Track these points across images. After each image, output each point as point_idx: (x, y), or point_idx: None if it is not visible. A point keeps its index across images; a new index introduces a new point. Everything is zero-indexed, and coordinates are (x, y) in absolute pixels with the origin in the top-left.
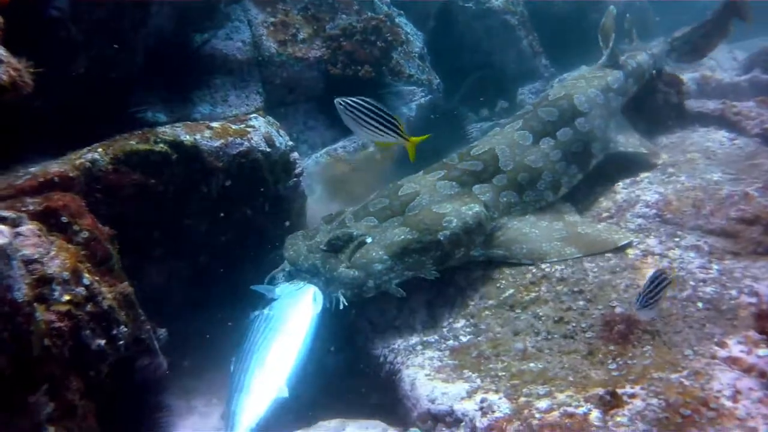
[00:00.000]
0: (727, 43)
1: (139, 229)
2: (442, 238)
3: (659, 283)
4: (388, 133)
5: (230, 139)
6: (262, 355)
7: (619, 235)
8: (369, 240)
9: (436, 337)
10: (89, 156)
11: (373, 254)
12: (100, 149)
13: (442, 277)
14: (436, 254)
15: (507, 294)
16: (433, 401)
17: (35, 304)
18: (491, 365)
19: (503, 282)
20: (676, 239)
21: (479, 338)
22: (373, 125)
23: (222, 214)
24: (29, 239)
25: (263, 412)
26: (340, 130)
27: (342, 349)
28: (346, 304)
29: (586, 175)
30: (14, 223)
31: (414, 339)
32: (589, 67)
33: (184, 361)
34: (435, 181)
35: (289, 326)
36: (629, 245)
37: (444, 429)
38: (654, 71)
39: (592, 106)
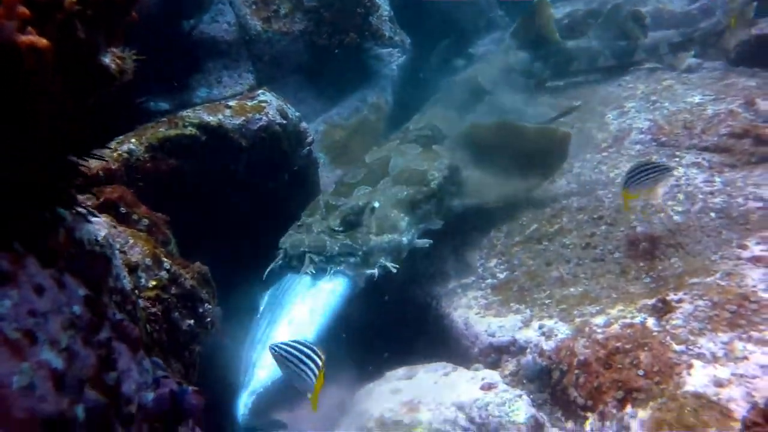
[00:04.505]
0: None
1: (178, 215)
2: (434, 187)
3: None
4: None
5: (249, 115)
6: (287, 310)
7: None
8: (377, 204)
9: (474, 278)
10: (125, 147)
11: (392, 214)
12: (133, 139)
13: (463, 222)
14: (434, 203)
15: (532, 229)
16: (493, 335)
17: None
18: (535, 295)
19: (524, 219)
20: (677, 159)
21: (515, 273)
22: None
23: (250, 190)
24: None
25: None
26: (327, 98)
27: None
28: (396, 268)
29: None
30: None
31: (452, 283)
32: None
33: None
34: None
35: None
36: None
37: (510, 359)
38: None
39: None
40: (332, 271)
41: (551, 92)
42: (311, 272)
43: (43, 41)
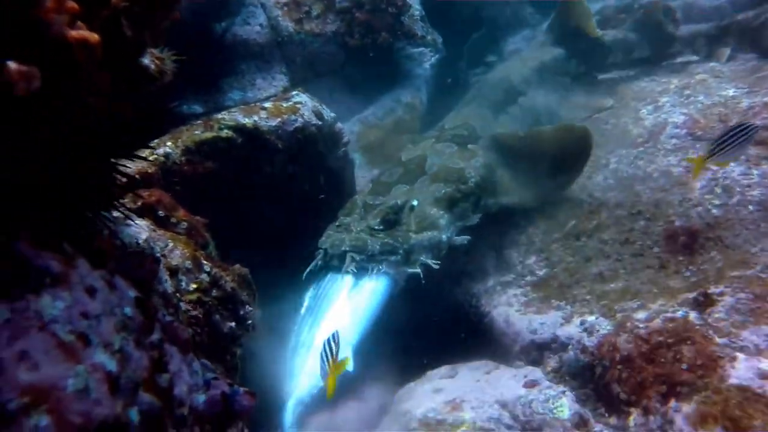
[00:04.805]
0: None
1: (215, 217)
2: (472, 185)
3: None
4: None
5: (285, 116)
6: (329, 312)
7: (579, 127)
8: (415, 203)
9: (513, 276)
10: (161, 150)
11: (431, 212)
12: (169, 142)
13: (501, 221)
14: (472, 200)
15: (570, 225)
16: (534, 332)
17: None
18: (575, 291)
19: (562, 216)
20: None
21: (555, 270)
22: None
23: (286, 192)
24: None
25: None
26: (361, 99)
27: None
28: (438, 264)
29: None
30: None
31: (491, 281)
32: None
33: None
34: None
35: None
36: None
37: (551, 355)
38: None
39: None
40: (374, 270)
41: (585, 88)
42: (353, 271)
43: (94, 36)
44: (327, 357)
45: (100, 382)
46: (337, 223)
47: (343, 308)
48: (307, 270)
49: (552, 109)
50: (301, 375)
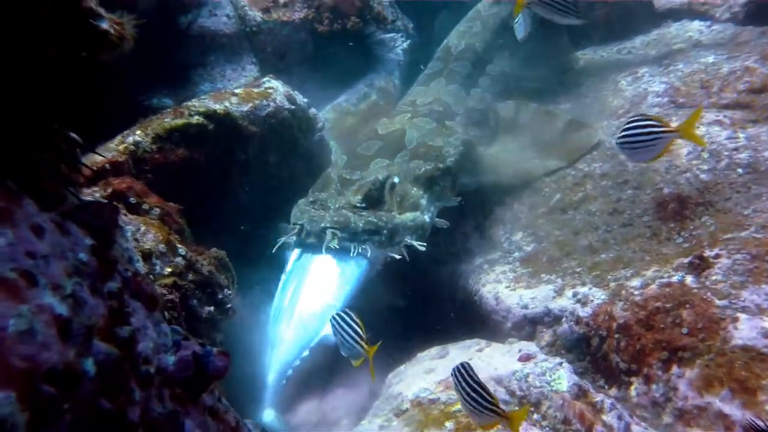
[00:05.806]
0: None
1: (189, 206)
2: (450, 164)
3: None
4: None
5: (257, 101)
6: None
7: (588, 130)
8: (397, 180)
9: (500, 253)
10: (131, 139)
11: (412, 191)
12: (138, 131)
13: (484, 199)
14: (449, 180)
15: (555, 199)
16: (525, 307)
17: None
18: (565, 264)
19: (547, 190)
20: None
21: (543, 244)
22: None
23: (262, 178)
24: None
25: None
26: (336, 86)
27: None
28: (423, 246)
29: None
30: None
31: (478, 260)
32: None
33: None
34: None
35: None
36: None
37: (545, 329)
38: None
39: None
40: (356, 250)
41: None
42: (334, 247)
43: None
44: (353, 338)
45: (48, 325)
46: (310, 199)
47: (320, 291)
48: (277, 245)
49: (520, 72)
50: (280, 349)
